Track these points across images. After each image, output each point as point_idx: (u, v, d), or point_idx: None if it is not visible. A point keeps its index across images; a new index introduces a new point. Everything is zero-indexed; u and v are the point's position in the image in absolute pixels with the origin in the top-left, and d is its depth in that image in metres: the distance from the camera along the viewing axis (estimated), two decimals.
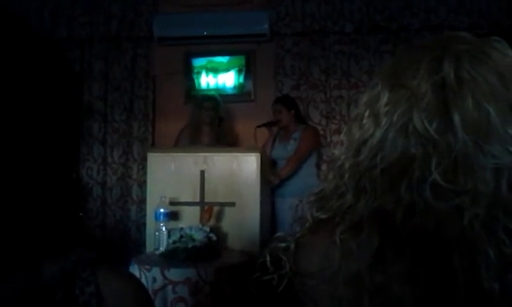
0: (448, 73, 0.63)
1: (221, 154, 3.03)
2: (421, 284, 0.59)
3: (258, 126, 3.98)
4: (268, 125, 4.03)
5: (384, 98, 0.66)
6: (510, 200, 0.58)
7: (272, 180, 3.58)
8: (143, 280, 2.31)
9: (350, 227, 0.65)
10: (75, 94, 0.63)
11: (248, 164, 2.94)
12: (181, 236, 2.54)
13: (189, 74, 4.59)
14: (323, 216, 0.71)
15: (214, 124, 3.83)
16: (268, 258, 0.73)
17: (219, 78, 4.57)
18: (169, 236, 2.63)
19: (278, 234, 0.75)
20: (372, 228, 0.63)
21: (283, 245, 0.73)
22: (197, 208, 2.86)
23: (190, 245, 2.50)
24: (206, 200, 2.87)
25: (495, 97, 0.61)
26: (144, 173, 3.84)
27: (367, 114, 0.69)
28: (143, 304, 0.65)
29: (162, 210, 2.73)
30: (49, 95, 0.59)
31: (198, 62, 4.59)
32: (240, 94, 4.56)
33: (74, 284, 0.60)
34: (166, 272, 2.35)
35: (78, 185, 4.31)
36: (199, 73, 4.59)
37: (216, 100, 3.92)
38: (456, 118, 0.60)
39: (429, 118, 0.61)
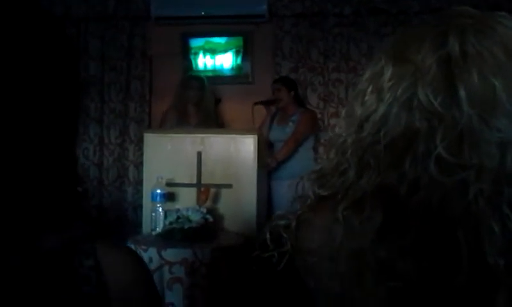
0: (453, 47, 0.62)
1: (218, 135, 3.02)
2: (425, 260, 0.59)
3: (256, 104, 3.94)
4: (266, 103, 4.00)
5: (388, 73, 0.65)
6: None
7: (269, 162, 3.57)
8: None
9: (353, 203, 0.64)
10: (75, 70, 0.62)
11: (245, 146, 2.93)
12: (178, 217, 2.55)
13: (186, 55, 4.55)
14: (325, 193, 0.70)
15: (200, 105, 3.80)
16: (268, 236, 0.72)
17: (217, 59, 4.53)
18: (165, 217, 2.63)
19: (278, 212, 0.74)
20: (376, 203, 0.62)
21: (283, 222, 0.73)
22: (194, 190, 2.86)
23: (186, 226, 2.50)
24: (203, 182, 2.87)
25: (501, 71, 0.60)
26: (141, 154, 3.82)
27: (369, 89, 0.68)
28: (141, 276, 0.64)
29: (158, 191, 2.72)
30: (50, 70, 0.57)
31: (196, 42, 4.55)
32: (237, 76, 4.53)
33: (73, 256, 0.59)
34: (162, 253, 2.35)
35: (76, 161, 4.29)
36: (196, 53, 4.55)
37: (202, 80, 3.89)
38: (462, 92, 0.59)
39: (434, 92, 0.61)
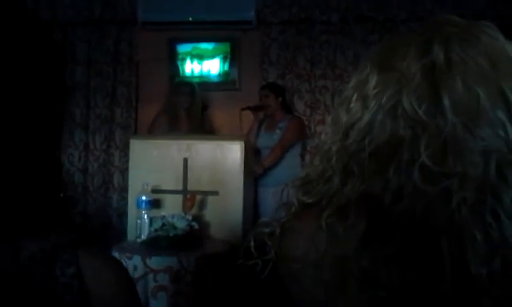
0: (438, 55, 0.62)
1: (205, 142, 3.01)
2: (408, 268, 0.59)
3: (243, 109, 3.93)
4: (254, 108, 3.99)
5: (373, 81, 0.65)
6: (498, 184, 0.57)
7: (256, 169, 3.56)
8: None
9: (337, 211, 0.64)
10: (60, 75, 0.60)
11: (232, 153, 2.91)
12: (163, 225, 2.52)
13: (173, 60, 4.54)
14: (309, 200, 0.70)
15: (191, 111, 3.79)
16: (252, 243, 0.72)
17: (204, 65, 4.53)
18: (150, 224, 2.61)
19: (263, 219, 0.74)
20: (359, 211, 0.62)
21: (267, 230, 0.72)
22: (179, 197, 2.84)
23: (172, 234, 2.48)
24: (189, 188, 2.84)
25: (484, 80, 0.60)
26: (127, 160, 3.78)
27: (354, 97, 0.68)
28: (124, 285, 0.63)
29: (144, 198, 2.70)
30: (34, 75, 0.56)
31: (183, 48, 4.54)
32: (224, 82, 4.52)
33: (54, 265, 0.58)
34: (147, 260, 2.33)
35: (59, 166, 4.24)
36: (183, 59, 4.54)
37: (193, 86, 3.88)
38: (446, 100, 0.59)
39: (419, 100, 0.61)
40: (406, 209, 0.59)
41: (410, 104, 0.61)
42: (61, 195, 4.09)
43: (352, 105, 0.68)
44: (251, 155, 3.46)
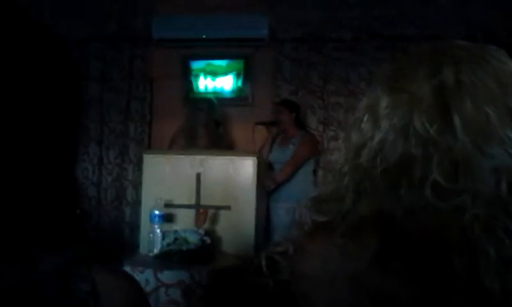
0: (447, 76, 0.63)
1: (218, 157, 3.02)
2: (421, 285, 0.59)
3: (257, 124, 3.95)
4: (267, 124, 4.01)
5: (384, 102, 0.67)
6: (509, 201, 0.58)
7: (268, 184, 3.57)
8: None
9: (349, 229, 0.65)
10: (76, 90, 0.62)
11: (245, 168, 2.92)
12: (175, 239, 2.53)
13: (187, 77, 4.58)
14: (322, 219, 0.71)
15: (209, 127, 3.82)
16: (264, 262, 0.72)
17: (217, 81, 4.57)
18: (163, 238, 2.61)
19: (275, 240, 0.74)
20: (372, 229, 0.63)
21: (280, 249, 0.73)
22: (192, 211, 2.84)
23: (184, 248, 2.48)
24: (201, 203, 2.85)
25: (493, 101, 0.61)
26: (140, 175, 3.81)
27: (366, 118, 0.69)
28: (138, 301, 0.64)
29: (157, 212, 2.71)
30: (50, 90, 0.58)
31: (197, 65, 4.59)
32: (238, 98, 4.55)
33: (69, 280, 0.59)
34: (159, 274, 2.33)
35: (75, 182, 4.29)
36: (197, 76, 4.58)
37: (212, 102, 3.91)
38: (456, 120, 0.60)
39: (430, 120, 0.62)
40: (419, 226, 0.60)
41: (421, 124, 0.62)
42: (78, 211, 4.12)
43: (363, 125, 0.69)
44: (264, 170, 3.46)
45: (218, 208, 2.85)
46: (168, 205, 2.82)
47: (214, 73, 4.57)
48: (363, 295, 0.61)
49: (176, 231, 2.59)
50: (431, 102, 0.63)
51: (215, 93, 4.50)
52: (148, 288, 2.30)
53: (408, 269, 0.60)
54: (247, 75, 4.53)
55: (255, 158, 2.94)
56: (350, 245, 0.64)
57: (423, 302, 0.59)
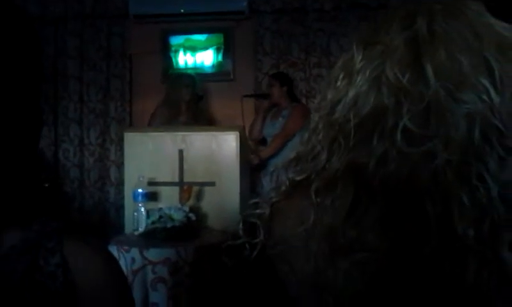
0: (421, 26, 0.63)
1: (200, 133, 2.99)
2: (394, 233, 0.59)
3: (245, 96, 3.92)
4: (257, 96, 3.98)
5: (359, 57, 0.66)
6: (482, 147, 0.58)
7: (252, 158, 3.55)
8: (122, 261, 2.28)
9: (324, 183, 0.65)
10: (36, 57, 0.59)
11: (228, 143, 2.90)
12: (160, 217, 2.51)
13: (166, 53, 4.51)
14: (299, 178, 0.71)
15: (191, 102, 3.78)
16: (241, 226, 0.72)
17: (197, 56, 4.50)
18: (148, 216, 2.59)
19: (254, 200, 0.74)
20: (346, 181, 0.63)
21: (257, 211, 0.73)
22: (176, 188, 2.83)
23: (169, 225, 2.47)
24: (185, 180, 2.83)
25: (468, 49, 0.61)
26: (122, 154, 3.77)
27: (341, 76, 0.68)
28: (112, 275, 0.61)
29: (140, 191, 2.68)
30: (7, 57, 0.55)
31: (176, 40, 4.51)
32: (219, 73, 4.50)
33: (38, 254, 0.57)
34: (145, 253, 2.32)
35: (41, 154, 4.23)
36: (176, 51, 4.51)
37: (194, 78, 3.87)
38: (428, 68, 0.60)
39: (402, 69, 0.61)
40: (391, 174, 0.59)
41: (393, 74, 0.61)
42: (46, 185, 4.07)
43: (339, 83, 0.68)
44: (247, 144, 3.44)
45: (202, 184, 2.84)
46: (151, 183, 2.80)
47: (194, 48, 4.50)
48: (338, 247, 0.62)
49: (160, 209, 2.57)
50: (404, 52, 0.62)
51: (195, 68, 4.44)
52: (134, 267, 2.29)
53: (381, 218, 0.60)
54: (227, 49, 4.47)
55: (237, 133, 2.92)
56: (325, 200, 0.64)
57: (395, 249, 0.59)
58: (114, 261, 0.65)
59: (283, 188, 0.73)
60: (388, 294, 0.61)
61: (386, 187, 0.59)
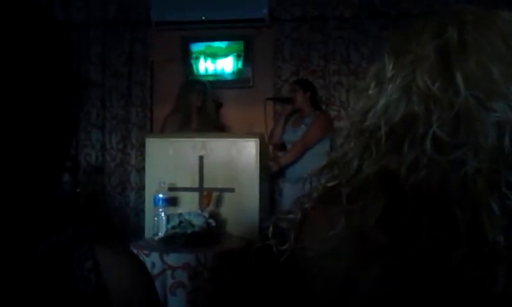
0: (451, 36, 0.64)
1: (220, 140, 3.02)
2: (424, 239, 0.60)
3: (268, 99, 3.92)
4: (279, 100, 3.98)
5: (390, 66, 0.67)
6: None
7: (271, 165, 3.56)
8: None
9: (356, 189, 0.66)
10: (71, 67, 0.61)
11: (247, 150, 2.92)
12: (180, 222, 2.54)
13: (187, 59, 4.56)
14: (330, 184, 0.72)
15: (202, 109, 3.79)
16: (271, 230, 0.73)
17: (218, 63, 4.54)
18: (168, 221, 2.62)
19: (284, 208, 0.75)
20: (378, 187, 0.64)
21: (289, 217, 0.74)
22: (196, 194, 2.85)
23: (189, 231, 2.49)
24: (205, 186, 2.86)
25: (498, 58, 0.61)
26: (143, 159, 3.82)
27: (373, 85, 0.70)
28: (142, 279, 0.64)
29: (161, 196, 2.72)
30: (44, 68, 0.57)
31: (196, 47, 4.56)
32: (238, 80, 4.53)
33: (71, 259, 0.59)
34: (165, 257, 2.35)
35: (75, 161, 4.31)
36: (197, 58, 4.56)
37: (205, 84, 3.88)
38: (458, 76, 0.61)
39: (432, 78, 0.62)
40: (422, 181, 0.60)
41: (424, 82, 0.62)
42: (78, 190, 4.13)
43: (370, 92, 0.70)
44: (267, 151, 3.46)
45: (222, 190, 2.86)
46: (171, 189, 2.83)
47: (214, 55, 4.54)
48: (369, 253, 0.62)
49: (180, 214, 2.60)
50: (434, 61, 0.63)
51: (215, 75, 4.48)
52: (154, 271, 2.31)
53: (412, 225, 0.60)
54: (247, 56, 4.50)
55: (257, 139, 2.94)
56: (356, 207, 0.64)
57: (426, 256, 0.60)
58: (142, 265, 0.67)
59: (315, 194, 0.74)
60: (418, 300, 0.61)
61: (417, 194, 0.60)
